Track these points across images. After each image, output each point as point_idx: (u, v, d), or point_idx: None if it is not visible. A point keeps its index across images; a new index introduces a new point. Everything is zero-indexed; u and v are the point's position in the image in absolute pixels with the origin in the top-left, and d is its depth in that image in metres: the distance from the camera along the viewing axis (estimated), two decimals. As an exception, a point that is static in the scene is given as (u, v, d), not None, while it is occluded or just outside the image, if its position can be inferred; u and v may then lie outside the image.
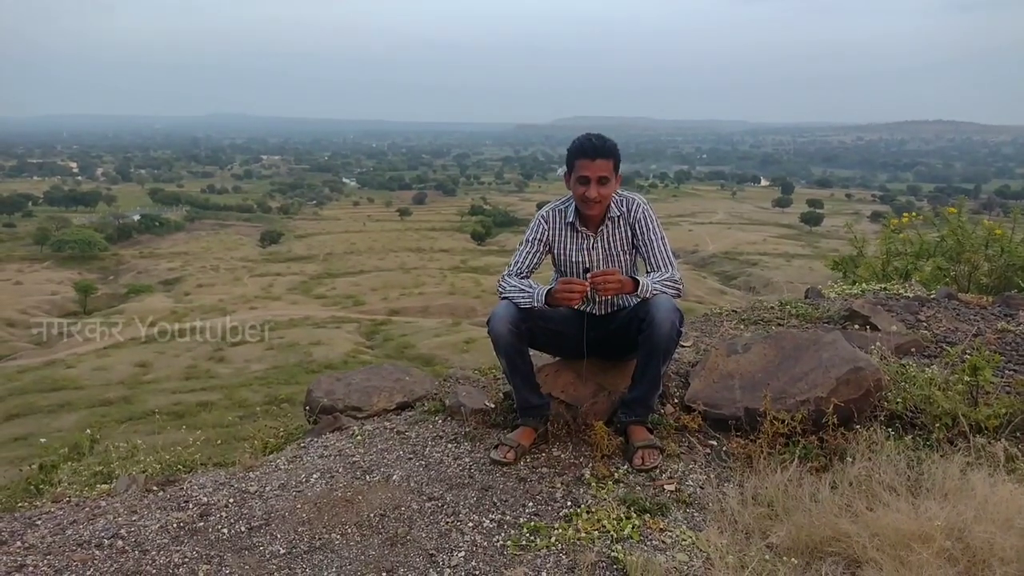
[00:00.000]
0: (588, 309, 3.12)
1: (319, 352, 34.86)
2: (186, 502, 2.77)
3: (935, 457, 2.50)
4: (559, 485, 2.71)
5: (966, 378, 2.84)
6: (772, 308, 4.59)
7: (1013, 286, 5.66)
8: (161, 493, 2.89)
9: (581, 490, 2.66)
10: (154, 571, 2.29)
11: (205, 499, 2.77)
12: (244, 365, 33.43)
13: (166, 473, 3.44)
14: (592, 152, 2.90)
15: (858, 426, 2.77)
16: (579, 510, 2.51)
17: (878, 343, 3.46)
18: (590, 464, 2.83)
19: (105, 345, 37.46)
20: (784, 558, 2.15)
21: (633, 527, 2.38)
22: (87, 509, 2.76)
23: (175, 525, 2.57)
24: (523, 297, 2.90)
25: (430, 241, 76.00)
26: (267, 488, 2.81)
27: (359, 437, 3.22)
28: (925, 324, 4.06)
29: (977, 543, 1.99)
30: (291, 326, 41.09)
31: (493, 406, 3.33)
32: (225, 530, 2.52)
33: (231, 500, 2.74)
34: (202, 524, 2.58)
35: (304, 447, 3.22)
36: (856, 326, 3.92)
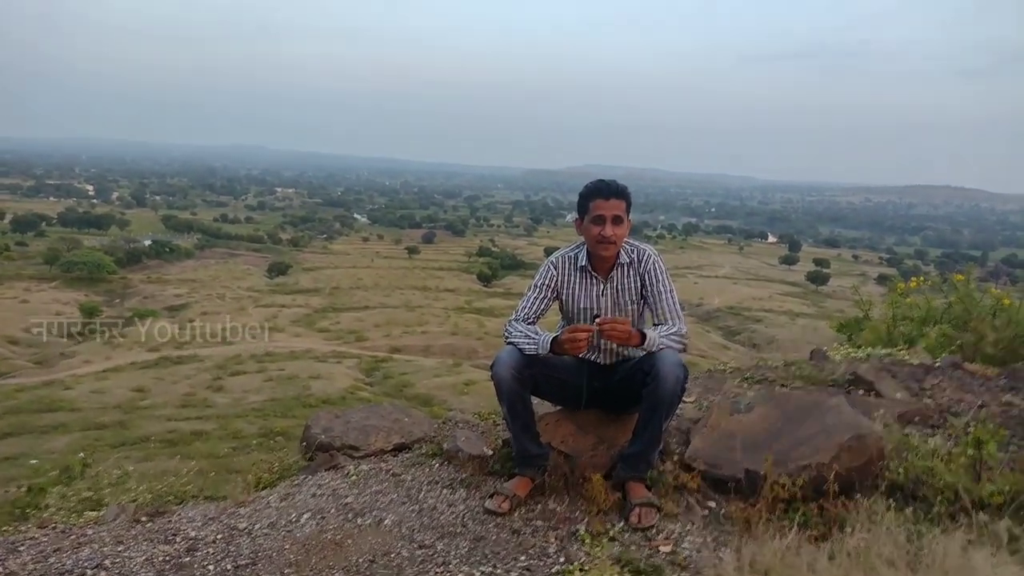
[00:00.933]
0: (593, 357, 3.11)
1: (318, 386, 34.70)
2: (174, 535, 2.73)
3: (936, 532, 2.44)
4: (553, 539, 2.66)
5: (970, 451, 2.79)
6: (776, 368, 4.56)
7: (1020, 358, 5.61)
8: (150, 524, 2.86)
9: (575, 546, 2.61)
10: (136, 606, 2.25)
11: (194, 533, 2.74)
12: (242, 395, 33.28)
13: (156, 504, 3.40)
14: (607, 192, 2.94)
15: (859, 495, 2.72)
16: (572, 568, 2.46)
17: (882, 410, 3.42)
18: (586, 519, 2.78)
19: (104, 368, 37.42)
20: (780, 629, 2.09)
21: (626, 588, 2.33)
22: (73, 537, 2.73)
23: (161, 559, 2.53)
24: (529, 343, 2.89)
25: (436, 280, 76.24)
26: (256, 526, 2.77)
27: (354, 477, 3.19)
28: (929, 393, 4.02)
29: (978, 625, 1.94)
30: (292, 358, 41.00)
31: (491, 452, 3.29)
32: (211, 567, 2.48)
33: (219, 536, 2.70)
34: (188, 559, 2.54)
35: (297, 485, 3.18)
36: (860, 391, 3.88)
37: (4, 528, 3.24)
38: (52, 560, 2.51)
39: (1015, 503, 2.65)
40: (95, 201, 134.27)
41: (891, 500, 2.72)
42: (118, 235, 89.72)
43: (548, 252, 3.37)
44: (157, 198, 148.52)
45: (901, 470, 2.87)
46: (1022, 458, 2.90)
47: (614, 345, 3.03)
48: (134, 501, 3.40)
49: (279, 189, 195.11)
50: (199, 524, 2.82)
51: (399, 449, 3.55)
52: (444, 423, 3.89)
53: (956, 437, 3.12)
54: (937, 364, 4.70)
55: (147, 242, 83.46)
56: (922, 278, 7.20)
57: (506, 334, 2.99)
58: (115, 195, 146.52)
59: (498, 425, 3.69)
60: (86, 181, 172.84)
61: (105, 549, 2.59)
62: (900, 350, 5.22)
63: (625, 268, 3.05)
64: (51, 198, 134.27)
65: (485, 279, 74.91)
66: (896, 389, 3.89)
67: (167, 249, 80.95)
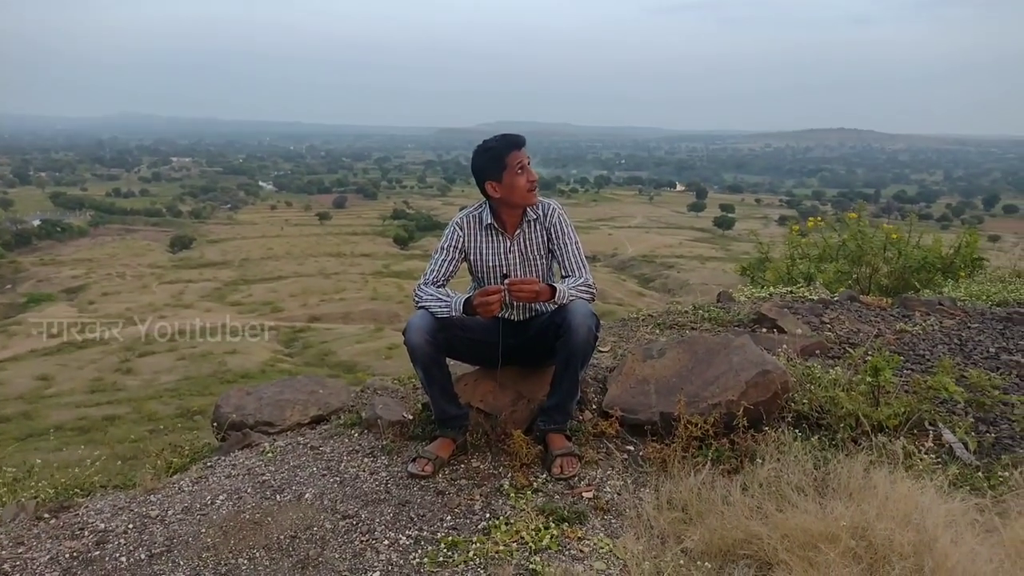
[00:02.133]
0: (506, 315, 3.10)
1: (235, 361, 33.74)
2: (81, 529, 2.59)
3: (840, 457, 2.58)
4: (478, 497, 2.67)
5: (868, 379, 2.95)
6: (686, 312, 4.69)
7: (910, 287, 5.98)
8: (53, 521, 2.70)
9: (500, 501, 2.63)
10: (41, 608, 2.13)
11: (102, 525, 2.61)
12: (153, 376, 32.04)
13: (60, 498, 3.21)
14: (519, 141, 2.94)
15: (767, 428, 2.84)
16: (498, 522, 2.48)
17: (785, 345, 3.57)
18: (509, 474, 2.81)
19: (2, 358, 35.29)
20: (698, 562, 2.17)
21: (552, 537, 2.37)
22: (-33, 543, 2.55)
23: (68, 555, 2.40)
24: (441, 306, 2.85)
25: (351, 246, 74.82)
26: (169, 512, 2.66)
27: (270, 454, 3.10)
28: (829, 326, 4.23)
29: (879, 540, 2.06)
30: (204, 335, 39.62)
31: (411, 417, 3.26)
32: (123, 559, 2.38)
33: (130, 526, 2.58)
34: (98, 553, 2.42)
35: (210, 466, 3.07)
36: (764, 329, 4.04)
37: None
38: (-57, 569, 2.35)
39: (909, 422, 2.83)
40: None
41: (797, 430, 2.86)
42: (3, 216, 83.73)
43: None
44: (42, 175, 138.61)
45: (806, 401, 3.01)
46: (915, 381, 3.09)
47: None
48: (35, 498, 3.20)
49: (175, 159, 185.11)
50: (108, 515, 2.68)
51: (317, 421, 3.47)
52: (363, 391, 3.83)
53: (855, 366, 3.29)
54: (835, 298, 4.93)
55: (36, 222, 78.28)
56: (819, 218, 7.53)
57: (416, 299, 2.94)
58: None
59: (418, 389, 3.66)
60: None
61: (3, 552, 2.44)
62: (800, 287, 5.46)
63: (532, 223, 3.03)
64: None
65: (402, 242, 74.01)
66: (797, 325, 4.06)
67: (58, 228, 76.28)
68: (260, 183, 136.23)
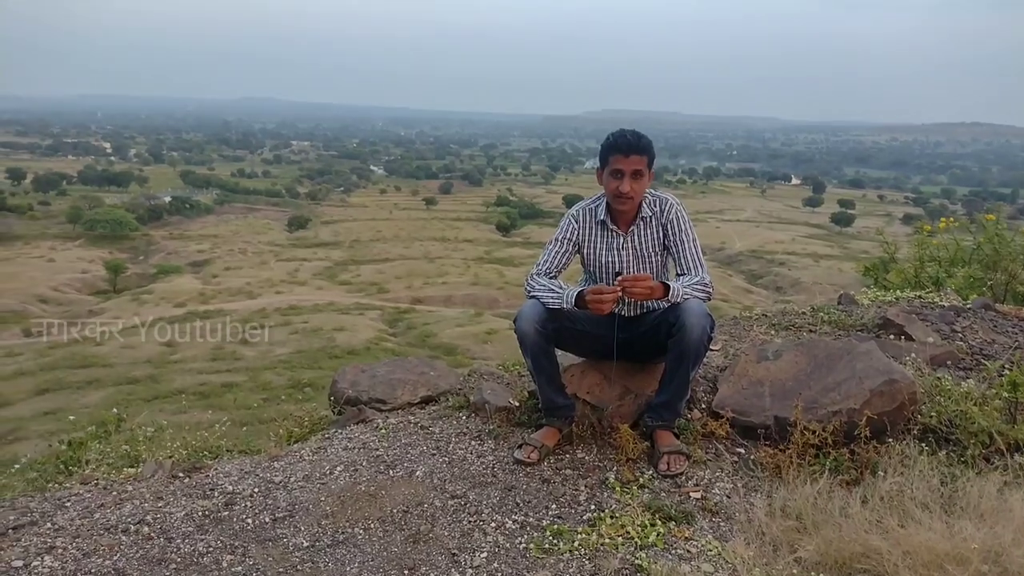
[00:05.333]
0: (617, 310, 3.08)
1: (342, 338, 35.16)
2: (212, 490, 2.79)
3: (970, 475, 2.43)
4: (583, 488, 2.69)
5: (1004, 394, 2.76)
6: (804, 314, 4.52)
7: (1052, 297, 5.51)
8: (187, 480, 2.92)
9: (605, 494, 2.64)
10: (179, 559, 2.31)
11: (231, 487, 2.79)
12: (268, 348, 33.80)
13: (192, 459, 3.47)
14: (627, 148, 2.87)
15: (891, 440, 2.71)
16: (603, 515, 2.48)
17: (913, 354, 3.38)
18: (615, 468, 2.81)
19: (133, 324, 38.11)
20: (812, 573, 2.10)
21: (658, 535, 2.35)
22: (114, 493, 2.80)
23: (200, 513, 2.59)
24: (552, 297, 2.86)
25: (455, 231, 76.19)
26: (292, 479, 2.82)
27: (383, 430, 3.23)
28: (961, 335, 3.97)
29: (1015, 568, 1.94)
30: (315, 311, 41.48)
31: (517, 404, 3.31)
32: (250, 520, 2.54)
33: (256, 490, 2.76)
34: (227, 513, 2.59)
35: (328, 438, 3.23)
36: (890, 335, 3.83)
37: (50, 484, 3.33)
38: (97, 515, 2.58)
39: (1050, 445, 2.63)
40: (113, 159, 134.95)
41: (924, 444, 2.71)
42: (138, 192, 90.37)
43: (567, 200, 3.29)
44: (174, 154, 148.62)
45: (934, 414, 2.84)
46: (1058, 400, 2.86)
47: None
48: (170, 457, 3.47)
49: (295, 142, 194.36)
50: (235, 478, 2.87)
51: (426, 402, 3.58)
52: (470, 375, 3.91)
53: (990, 380, 3.08)
54: (967, 306, 4.62)
55: (167, 198, 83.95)
56: (951, 218, 7.04)
57: (528, 288, 2.96)
58: (132, 152, 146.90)
59: (523, 376, 3.70)
60: (103, 139, 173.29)
61: (146, 505, 2.66)
62: (929, 292, 5.14)
63: (648, 220, 2.99)
64: (70, 156, 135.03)
65: (504, 229, 74.76)
66: (927, 332, 3.84)
67: (187, 205, 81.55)
68: (372, 167, 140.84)
